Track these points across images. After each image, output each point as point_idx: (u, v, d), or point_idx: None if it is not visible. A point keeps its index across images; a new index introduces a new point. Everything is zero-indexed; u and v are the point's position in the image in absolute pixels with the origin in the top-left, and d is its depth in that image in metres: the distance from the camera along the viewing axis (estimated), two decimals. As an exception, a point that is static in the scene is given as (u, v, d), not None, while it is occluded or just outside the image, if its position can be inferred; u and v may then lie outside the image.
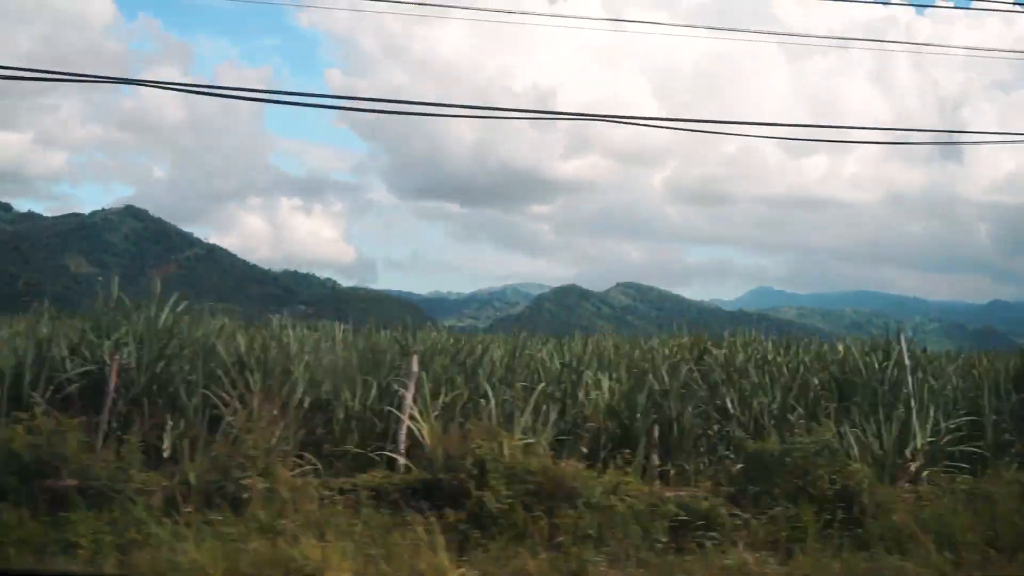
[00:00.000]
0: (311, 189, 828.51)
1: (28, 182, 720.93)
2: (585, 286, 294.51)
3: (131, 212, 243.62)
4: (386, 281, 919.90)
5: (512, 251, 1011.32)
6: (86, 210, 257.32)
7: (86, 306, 15.50)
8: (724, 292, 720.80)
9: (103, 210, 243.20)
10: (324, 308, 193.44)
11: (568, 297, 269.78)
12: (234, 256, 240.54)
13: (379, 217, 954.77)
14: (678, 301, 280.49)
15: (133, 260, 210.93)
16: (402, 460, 11.38)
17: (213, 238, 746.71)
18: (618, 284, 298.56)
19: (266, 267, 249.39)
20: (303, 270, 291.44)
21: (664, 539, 9.84)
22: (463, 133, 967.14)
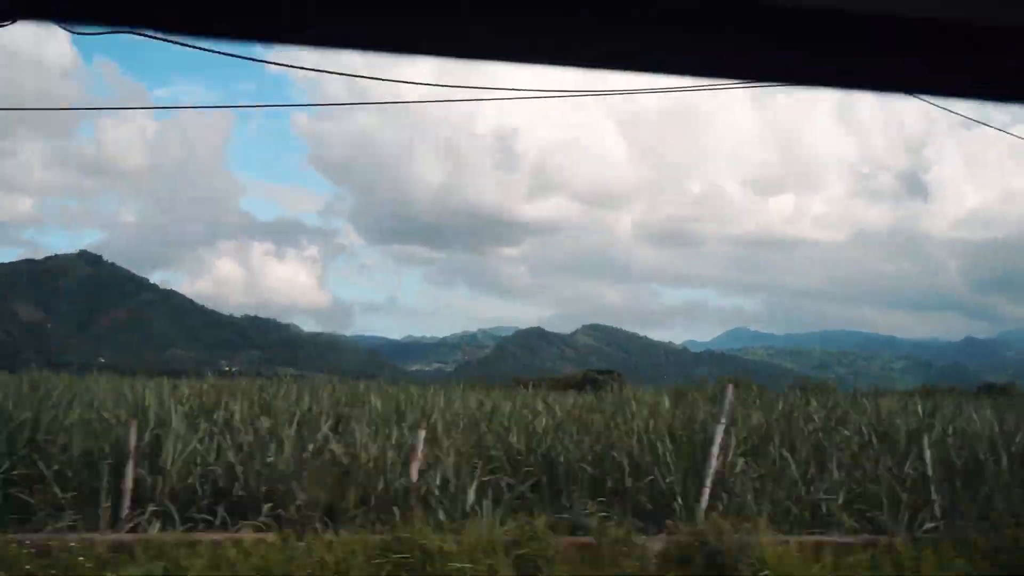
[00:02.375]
0: (282, 233, 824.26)
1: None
2: (555, 329, 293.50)
3: (84, 258, 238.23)
4: (362, 326, 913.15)
5: (487, 294, 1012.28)
6: (40, 256, 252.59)
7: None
8: (700, 333, 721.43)
9: (55, 256, 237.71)
10: (278, 354, 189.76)
11: (532, 340, 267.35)
12: (190, 301, 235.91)
13: (352, 261, 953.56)
14: (645, 343, 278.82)
15: (84, 306, 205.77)
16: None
17: (184, 285, 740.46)
18: (584, 326, 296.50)
19: (228, 312, 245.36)
20: (276, 317, 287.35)
21: None
22: (428, 175, 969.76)
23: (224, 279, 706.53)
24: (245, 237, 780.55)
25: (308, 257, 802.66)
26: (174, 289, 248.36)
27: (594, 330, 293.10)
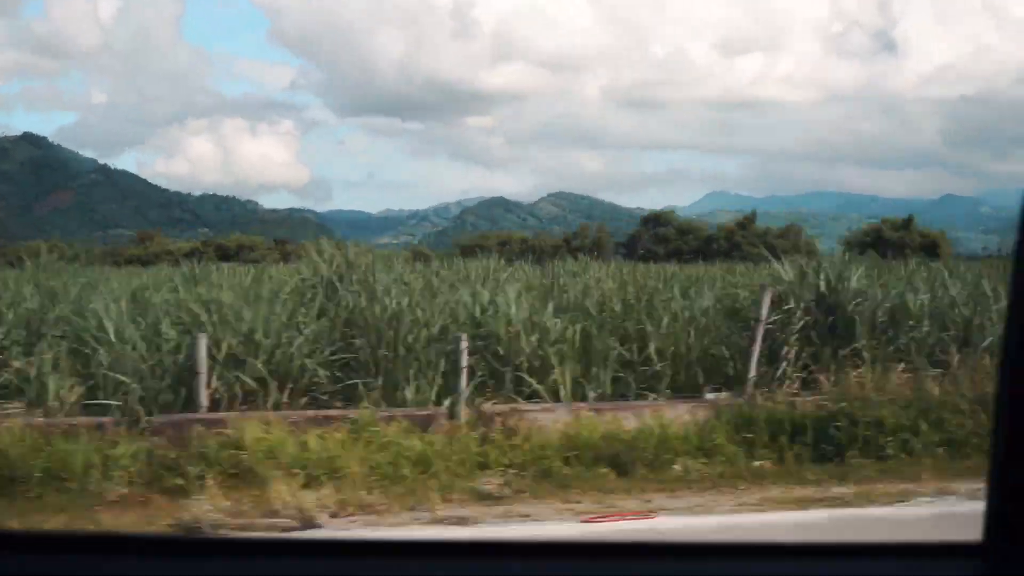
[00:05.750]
0: (253, 108, 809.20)
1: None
2: (522, 199, 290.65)
3: (28, 139, 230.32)
4: (341, 201, 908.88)
5: (466, 166, 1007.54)
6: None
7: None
8: (680, 198, 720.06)
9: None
10: (225, 231, 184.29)
11: (494, 209, 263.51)
12: (142, 181, 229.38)
13: (327, 137, 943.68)
14: (610, 209, 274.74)
15: (28, 189, 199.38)
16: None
17: (159, 165, 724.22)
18: (549, 194, 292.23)
19: (199, 192, 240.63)
20: (248, 195, 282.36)
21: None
22: (390, 45, 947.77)
23: (198, 158, 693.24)
24: (216, 114, 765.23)
25: (283, 133, 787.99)
26: (124, 169, 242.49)
27: (559, 198, 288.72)
